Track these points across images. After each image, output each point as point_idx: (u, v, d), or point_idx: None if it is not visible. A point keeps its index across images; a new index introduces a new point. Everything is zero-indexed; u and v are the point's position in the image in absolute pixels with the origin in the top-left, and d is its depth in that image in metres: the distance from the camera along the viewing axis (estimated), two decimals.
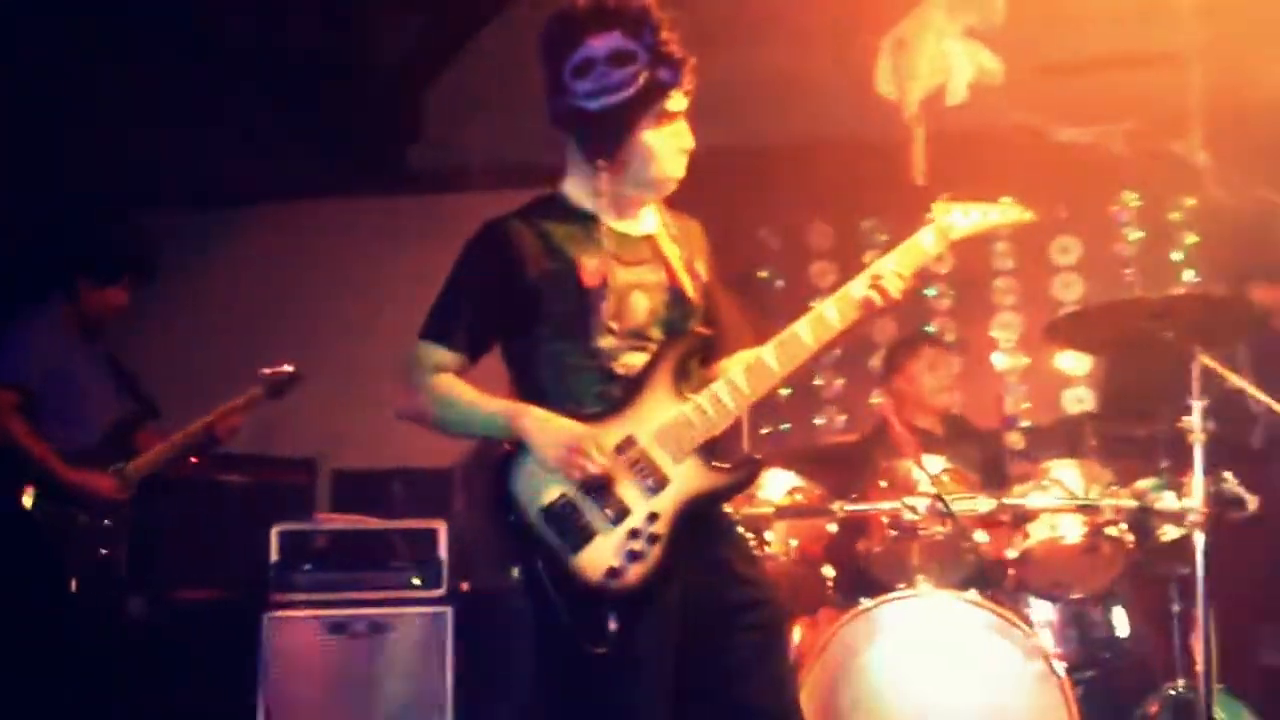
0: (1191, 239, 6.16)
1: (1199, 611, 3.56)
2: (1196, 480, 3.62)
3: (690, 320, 2.75)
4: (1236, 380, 3.79)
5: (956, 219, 2.93)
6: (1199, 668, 3.58)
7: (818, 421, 6.47)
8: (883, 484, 3.98)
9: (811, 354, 2.75)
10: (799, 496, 4.00)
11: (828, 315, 2.75)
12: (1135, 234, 6.26)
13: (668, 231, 2.81)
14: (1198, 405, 3.62)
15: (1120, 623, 4.19)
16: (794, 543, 4.02)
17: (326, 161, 6.19)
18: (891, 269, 2.79)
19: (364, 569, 4.57)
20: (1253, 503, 3.91)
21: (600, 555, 2.50)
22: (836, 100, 5.47)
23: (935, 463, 3.95)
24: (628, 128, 2.62)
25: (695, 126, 2.78)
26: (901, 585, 3.82)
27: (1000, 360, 6.40)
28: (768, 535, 3.96)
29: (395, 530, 4.70)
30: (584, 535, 2.51)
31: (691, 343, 2.73)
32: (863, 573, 4.04)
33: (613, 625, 2.46)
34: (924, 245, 2.87)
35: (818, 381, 6.49)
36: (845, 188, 6.22)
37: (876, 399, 5.52)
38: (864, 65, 4.37)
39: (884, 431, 4.38)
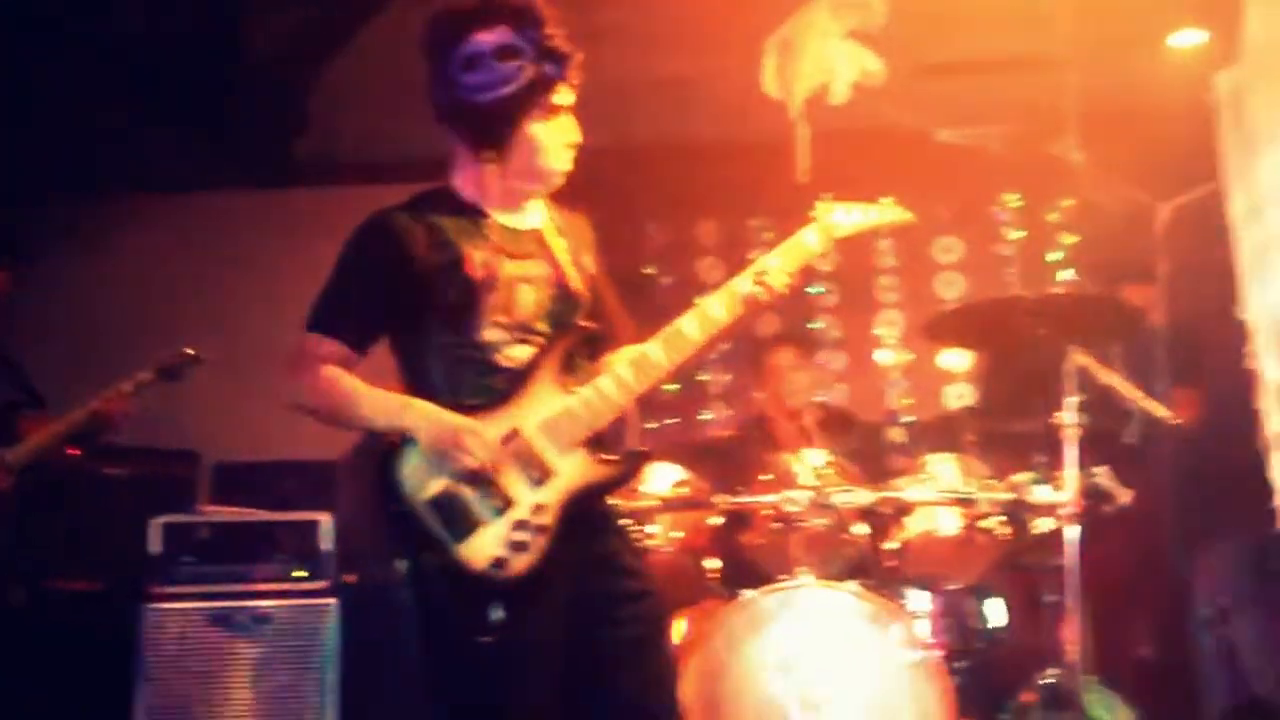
0: (1069, 239, 6.35)
1: (1070, 602, 3.69)
2: (1069, 475, 3.75)
3: (576, 314, 2.78)
4: (1109, 378, 3.92)
5: (839, 218, 3.00)
6: (1070, 657, 3.71)
7: (705, 416, 6.54)
8: (765, 477, 4.04)
9: (697, 348, 2.79)
10: (683, 490, 4.05)
11: (713, 310, 2.80)
12: (1015, 234, 6.43)
13: (554, 226, 2.84)
14: (1071, 401, 3.74)
15: (996, 613, 4.31)
16: (678, 535, 4.06)
17: (212, 153, 6.09)
18: (776, 266, 2.85)
19: (247, 561, 4.52)
20: (1124, 497, 4.05)
21: (485, 546, 2.52)
22: (724, 99, 5.53)
23: (816, 456, 4.03)
24: (515, 121, 2.64)
25: (586, 124, 2.81)
26: (783, 576, 3.88)
27: (884, 356, 6.53)
28: (652, 528, 4.01)
29: (279, 522, 4.65)
30: (469, 526, 2.53)
31: (577, 336, 2.76)
32: (746, 564, 4.10)
33: (497, 615, 2.48)
34: (807, 243, 2.94)
35: (705, 377, 6.56)
36: (733, 186, 6.30)
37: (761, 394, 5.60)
38: (750, 66, 4.42)
39: (764, 425, 4.45)
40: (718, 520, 4.12)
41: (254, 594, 4.44)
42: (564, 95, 2.70)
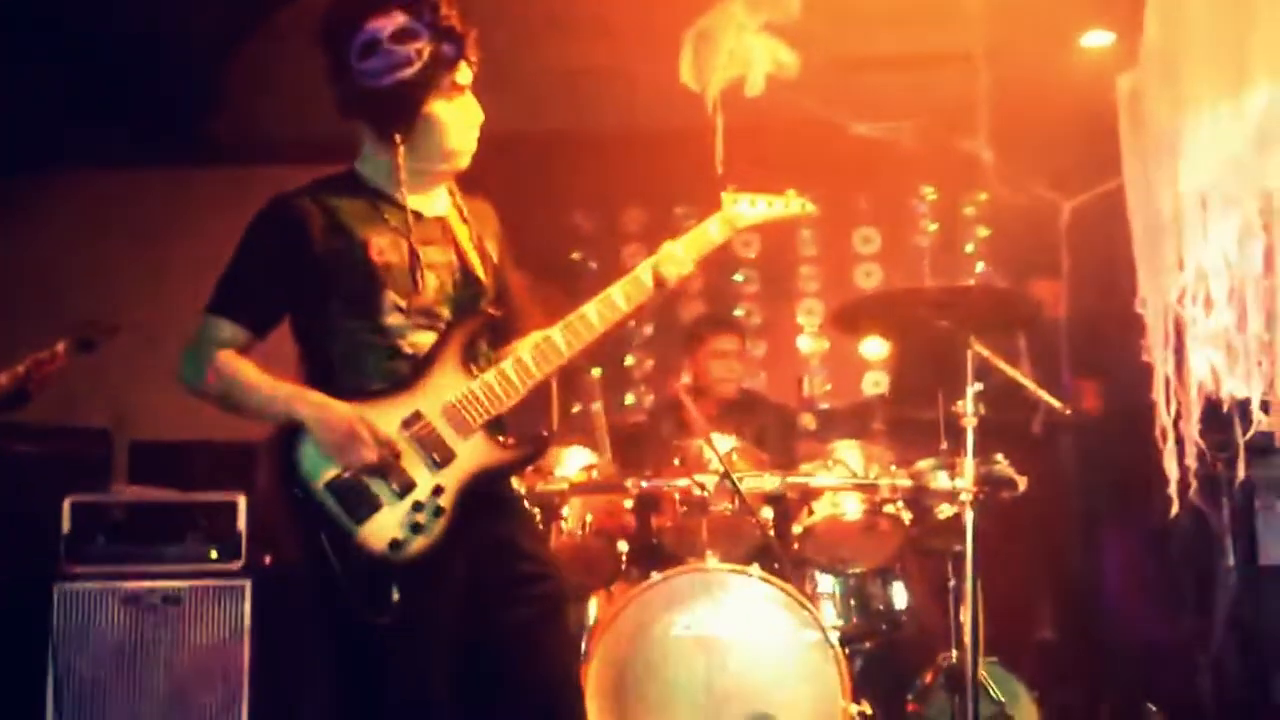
0: (983, 232, 6.48)
1: (968, 585, 3.79)
2: (968, 462, 3.85)
3: (479, 300, 2.82)
4: (1007, 369, 4.02)
5: (744, 209, 3.07)
6: (967, 639, 3.81)
7: (628, 400, 6.61)
8: (676, 461, 4.12)
9: (599, 335, 2.85)
10: (595, 473, 4.11)
11: (615, 298, 2.87)
12: (932, 226, 6.56)
13: (459, 212, 2.88)
14: (970, 391, 3.84)
15: (899, 596, 4.41)
16: (589, 518, 4.12)
17: (129, 131, 6.05)
18: (678, 255, 2.92)
19: (160, 542, 4.51)
20: (1022, 483, 4.15)
21: (384, 527, 2.57)
22: (648, 89, 5.57)
23: (725, 442, 4.11)
24: (417, 102, 2.67)
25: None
26: (691, 559, 3.96)
27: (804, 344, 6.64)
28: (564, 511, 4.06)
29: (194, 503, 4.65)
30: (368, 508, 2.57)
31: (480, 322, 2.80)
32: (656, 547, 4.17)
33: (395, 596, 2.53)
34: (710, 234, 3.01)
35: (629, 361, 6.63)
36: (658, 174, 6.35)
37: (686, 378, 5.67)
38: (672, 56, 4.48)
39: (677, 410, 4.52)
40: (629, 504, 4.18)
41: (167, 575, 4.44)
42: (464, 74, 2.73)
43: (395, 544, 2.56)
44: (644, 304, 2.92)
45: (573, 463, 4.10)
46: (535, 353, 2.77)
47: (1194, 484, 4.42)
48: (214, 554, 4.49)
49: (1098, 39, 5.40)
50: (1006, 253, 6.26)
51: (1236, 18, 4.07)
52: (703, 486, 3.94)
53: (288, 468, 2.60)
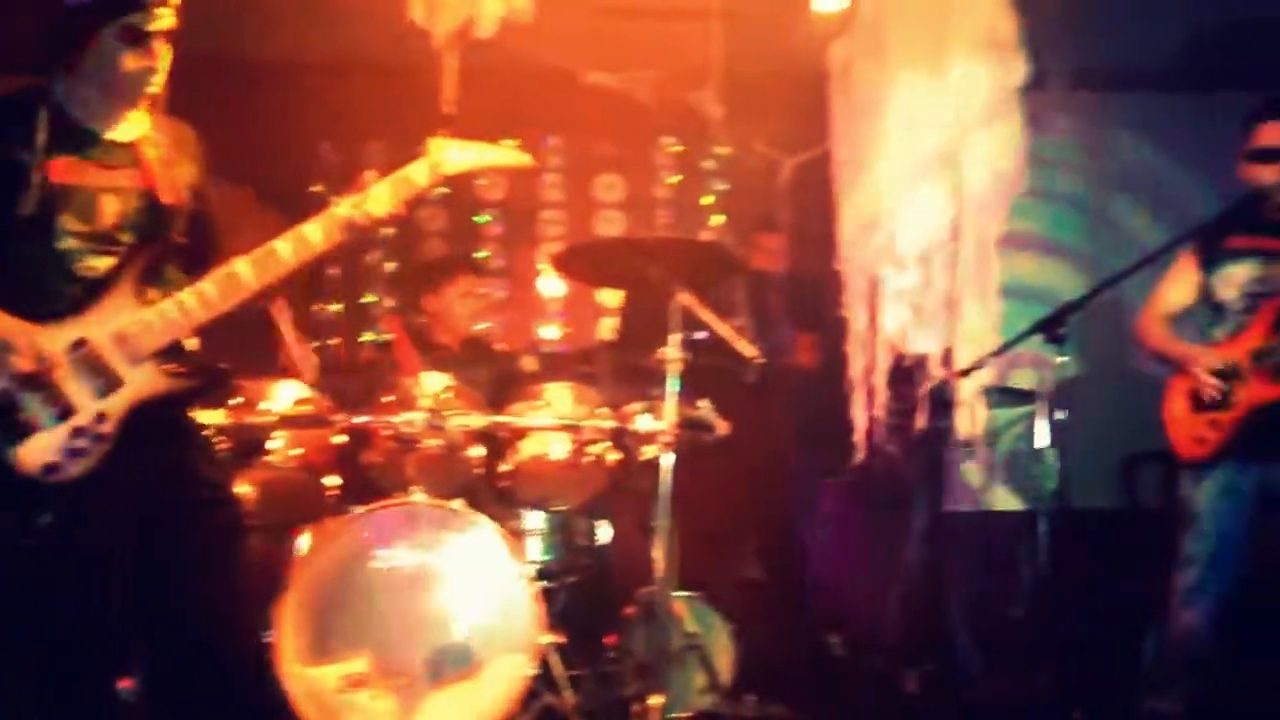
0: (721, 186, 6.67)
1: (662, 524, 3.95)
2: (669, 406, 4.00)
3: (165, 227, 2.81)
4: (706, 318, 4.16)
5: (452, 155, 3.12)
6: (659, 574, 3.98)
7: (365, 338, 6.59)
8: (388, 398, 4.15)
9: (290, 269, 2.87)
10: (305, 407, 4.11)
11: (310, 234, 2.90)
12: (673, 178, 6.71)
13: (153, 138, 2.85)
14: (675, 338, 3.99)
15: (603, 533, 4.57)
16: (298, 452, 4.13)
17: None
18: (379, 196, 2.96)
19: None
20: (722, 428, 4.34)
21: (39, 450, 2.55)
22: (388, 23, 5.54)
23: (437, 380, 4.17)
24: (91, 32, 2.64)
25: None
26: (399, 494, 4.01)
27: (544, 287, 6.73)
28: (271, 444, 4.06)
29: None
30: (23, 430, 2.56)
31: (161, 249, 2.79)
32: (365, 483, 4.21)
33: (45, 520, 2.52)
34: (414, 177, 3.06)
35: (369, 299, 6.61)
36: (402, 108, 6.31)
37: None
38: None
39: (392, 347, 4.55)
40: (342, 439, 4.20)
41: None
42: (150, 20, 2.71)
43: (51, 467, 2.55)
44: (341, 241, 2.95)
45: (283, 396, 4.10)
46: (218, 284, 2.78)
47: (883, 433, 4.72)
48: None
49: (829, 4, 5.59)
50: (742, 206, 6.45)
51: None
52: (411, 423, 3.99)
53: None
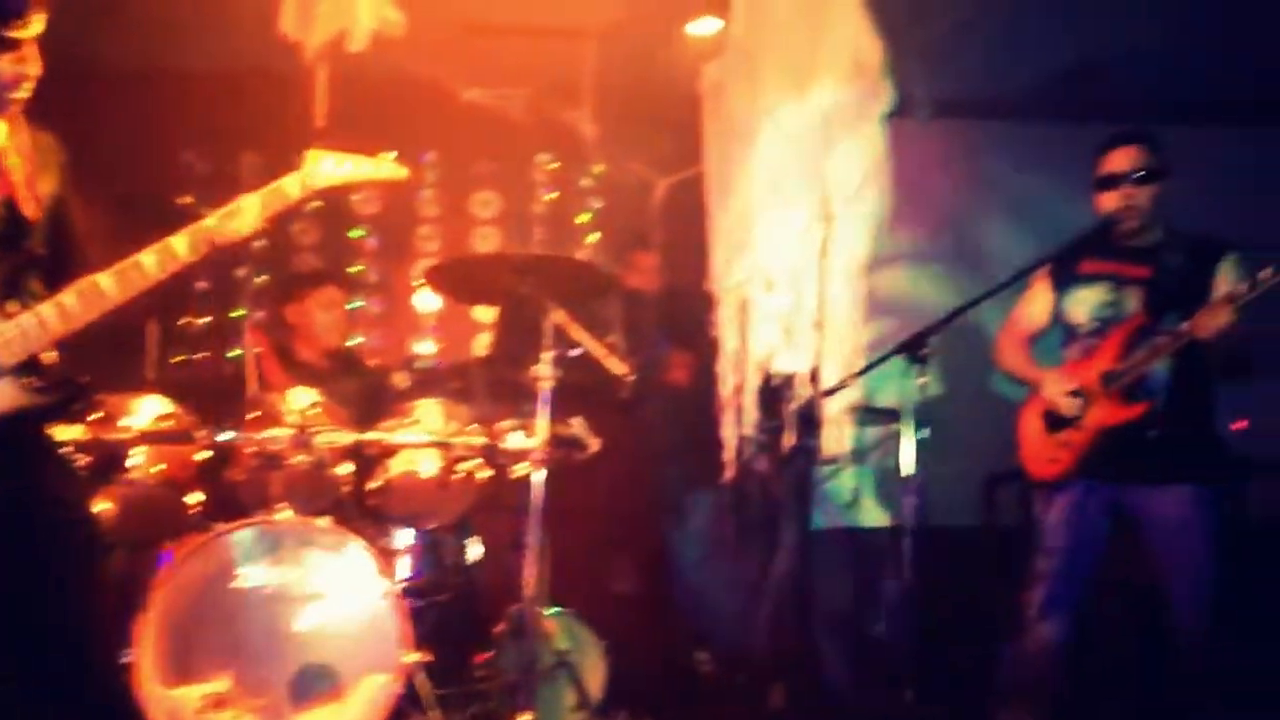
0: (597, 204, 6.71)
1: (532, 541, 3.95)
2: (541, 423, 4.01)
3: (24, 238, 2.75)
4: (577, 336, 4.17)
5: (327, 168, 3.09)
6: (528, 592, 3.98)
7: (233, 353, 6.48)
8: (254, 414, 4.09)
9: (155, 283, 2.83)
10: (169, 423, 4.04)
11: (176, 246, 2.85)
12: (549, 195, 6.73)
13: (13, 146, 2.78)
14: (547, 355, 4.00)
15: (473, 550, 4.56)
16: (159, 468, 4.05)
17: None
18: (250, 208, 2.93)
19: None
20: (594, 445, 4.36)
21: None
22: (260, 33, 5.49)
23: (305, 396, 4.13)
24: None
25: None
26: (263, 512, 3.95)
27: (419, 303, 6.69)
28: (131, 460, 3.98)
29: None
30: None
31: (18, 260, 2.73)
32: (229, 500, 4.14)
33: None
34: (287, 190, 3.03)
35: (238, 313, 6.49)
36: (273, 119, 6.24)
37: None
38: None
39: (259, 362, 4.49)
40: (205, 455, 4.14)
41: None
42: (23, 27, 2.66)
43: None
44: (209, 254, 2.91)
45: (145, 411, 4.02)
46: (79, 297, 2.73)
47: (753, 451, 4.78)
48: None
49: (705, 26, 5.66)
50: (618, 224, 6.50)
51: (811, 19, 4.41)
52: (277, 440, 3.94)
53: None
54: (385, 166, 3.25)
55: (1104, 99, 6.11)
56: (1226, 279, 3.91)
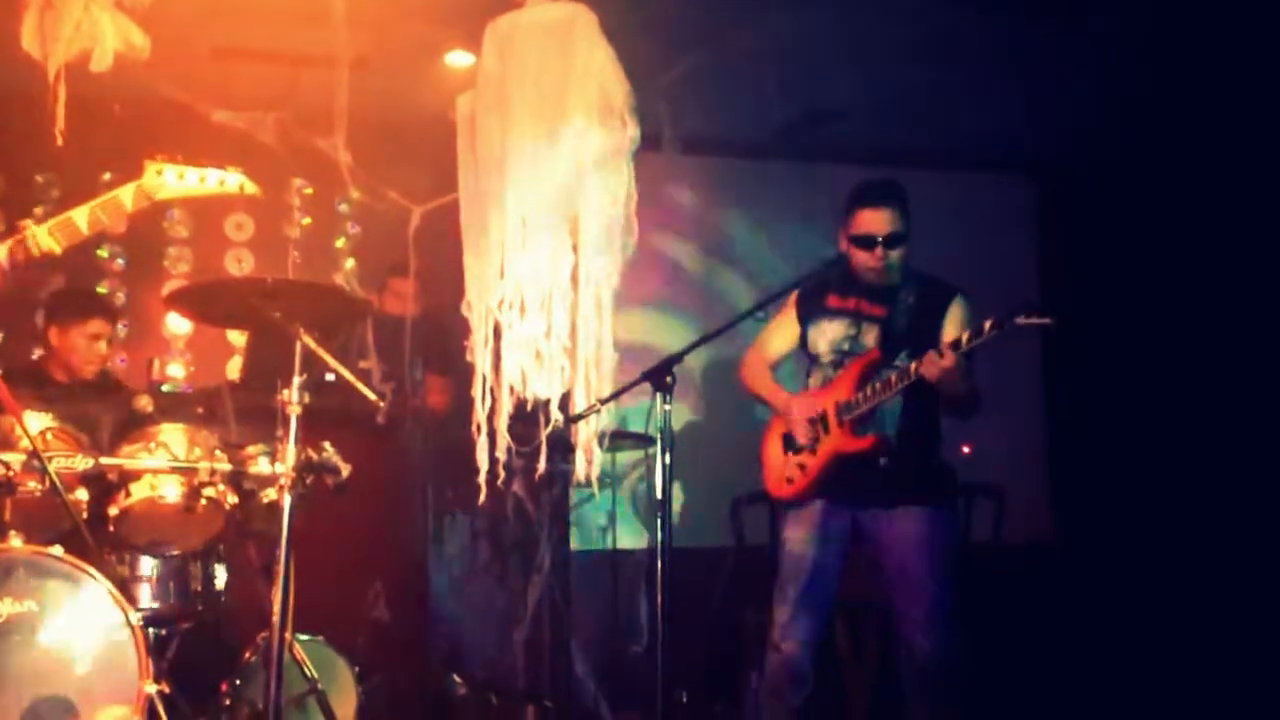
0: (354, 230, 6.72)
1: (279, 568, 3.92)
2: (289, 448, 3.98)
3: None
4: (328, 361, 4.17)
5: (168, 180, 3.03)
6: (275, 619, 3.94)
7: None
8: None
9: None
10: None
11: None
12: (305, 219, 6.70)
13: None
14: (296, 380, 3.97)
15: (220, 577, 4.49)
16: None
17: None
18: (78, 219, 2.85)
19: None
20: (346, 470, 4.35)
21: None
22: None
23: (39, 420, 4.01)
24: None
25: None
26: None
27: (170, 325, 6.55)
28: None
29: None
30: None
31: None
32: None
33: None
34: (123, 201, 2.96)
35: None
36: (17, 139, 6.03)
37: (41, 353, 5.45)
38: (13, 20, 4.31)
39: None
40: None
41: None
42: None
43: None
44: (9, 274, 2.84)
45: None
46: None
47: (508, 475, 4.85)
48: None
49: (460, 59, 5.76)
50: (375, 250, 6.52)
51: (560, 58, 4.53)
52: (8, 465, 3.82)
53: None
54: (232, 180, 3.20)
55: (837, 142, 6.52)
56: (954, 320, 4.17)
